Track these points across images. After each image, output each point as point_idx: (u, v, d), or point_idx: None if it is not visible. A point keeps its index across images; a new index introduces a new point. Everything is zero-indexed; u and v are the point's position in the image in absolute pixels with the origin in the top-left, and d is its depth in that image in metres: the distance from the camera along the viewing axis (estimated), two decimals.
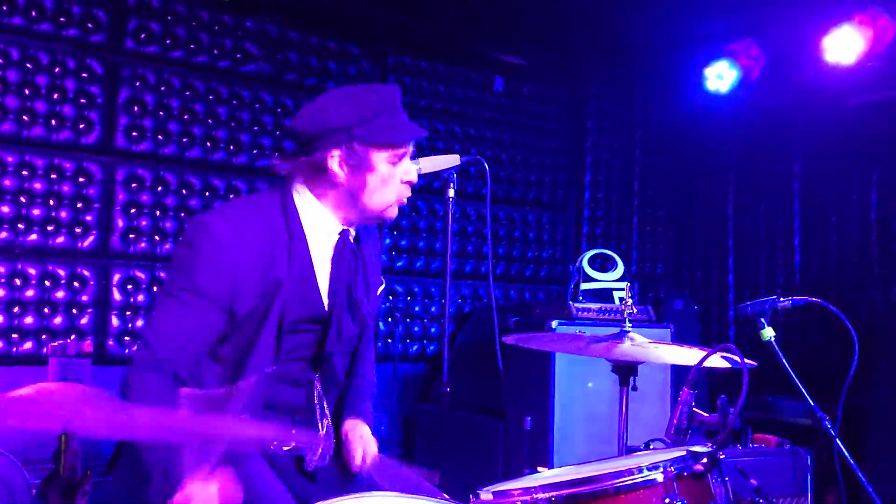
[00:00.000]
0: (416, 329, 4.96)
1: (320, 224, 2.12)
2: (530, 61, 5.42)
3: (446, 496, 2.16)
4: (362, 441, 2.25)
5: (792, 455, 3.96)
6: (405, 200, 2.16)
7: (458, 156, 2.64)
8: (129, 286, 4.04)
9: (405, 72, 5.00)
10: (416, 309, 4.94)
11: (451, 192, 2.62)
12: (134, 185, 4.09)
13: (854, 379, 2.96)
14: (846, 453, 2.09)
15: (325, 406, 2.21)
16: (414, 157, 2.21)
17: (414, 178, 2.14)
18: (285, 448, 2.14)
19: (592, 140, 5.79)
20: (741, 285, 5.70)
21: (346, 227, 2.16)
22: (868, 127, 4.86)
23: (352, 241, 2.20)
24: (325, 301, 2.12)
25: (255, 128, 4.47)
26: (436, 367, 4.92)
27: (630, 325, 2.31)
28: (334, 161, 2.06)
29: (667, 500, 1.58)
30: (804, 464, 3.94)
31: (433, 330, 5.01)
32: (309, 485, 2.18)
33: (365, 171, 2.07)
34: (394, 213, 2.16)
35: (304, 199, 2.11)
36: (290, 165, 2.14)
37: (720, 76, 5.42)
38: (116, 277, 4.01)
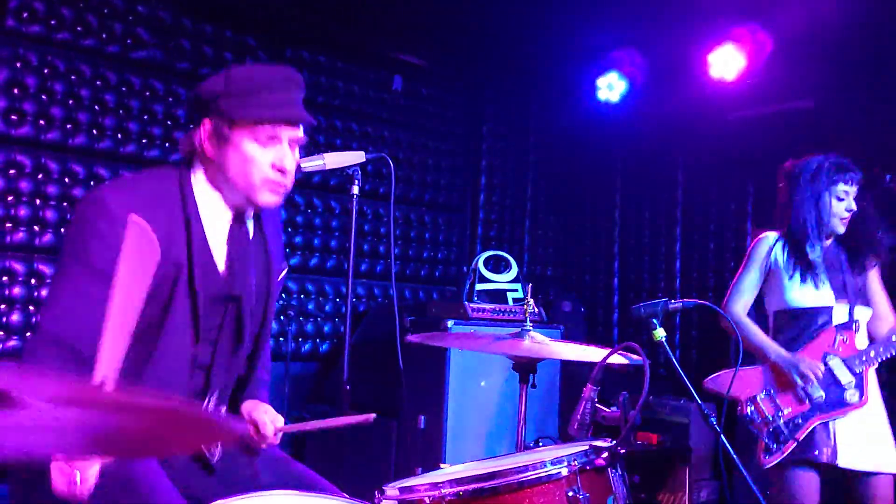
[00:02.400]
0: (308, 327, 4.90)
1: (215, 205, 2.04)
2: (429, 63, 5.45)
3: (346, 494, 2.14)
4: (268, 415, 2.17)
5: (671, 452, 4.15)
6: (281, 191, 2.02)
7: (363, 152, 2.62)
8: (5, 278, 3.81)
9: (303, 66, 4.94)
10: (310, 307, 4.88)
11: (356, 190, 2.60)
12: (12, 171, 3.86)
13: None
14: (730, 449, 2.20)
15: (219, 392, 2.14)
16: (303, 144, 2.11)
17: (287, 167, 1.98)
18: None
19: (488, 144, 5.88)
20: (625, 289, 5.91)
21: (239, 209, 2.08)
22: (746, 140, 5.15)
23: (249, 222, 2.13)
24: (226, 280, 2.05)
25: (145, 116, 4.30)
26: (328, 367, 4.87)
27: (531, 324, 2.36)
28: (202, 134, 1.98)
29: (570, 494, 1.62)
30: (683, 460, 4.14)
31: (326, 328, 4.96)
32: (205, 478, 2.11)
33: (227, 147, 1.97)
34: (266, 198, 2.01)
35: (199, 179, 2.04)
36: (181, 144, 2.07)
37: (611, 86, 5.62)
38: None
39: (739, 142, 5.18)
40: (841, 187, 3.14)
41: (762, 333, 3.16)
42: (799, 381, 3.03)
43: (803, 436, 3.01)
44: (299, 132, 2.03)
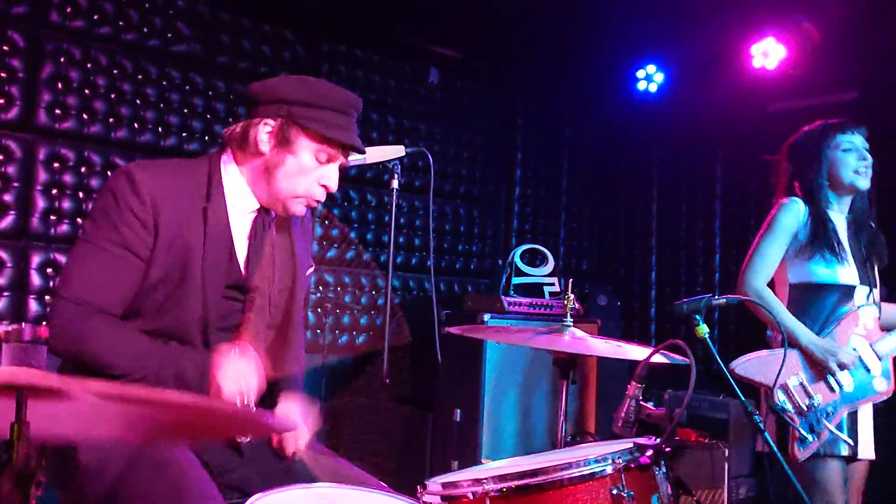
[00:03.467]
0: (345, 319, 4.92)
1: (243, 197, 2.09)
2: (465, 55, 5.44)
3: (386, 486, 2.15)
4: (298, 418, 2.19)
5: (710, 448, 4.10)
6: (315, 203, 2.11)
7: (402, 147, 2.62)
8: (49, 270, 3.87)
9: (340, 60, 4.95)
10: (347, 299, 4.91)
11: (396, 184, 2.60)
12: (56, 164, 3.92)
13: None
14: (774, 447, 2.18)
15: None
16: (346, 164, 2.17)
17: (333, 186, 2.09)
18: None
19: (523, 137, 5.85)
20: (663, 283, 5.86)
21: (266, 206, 2.13)
22: (787, 133, 5.05)
23: (273, 217, 2.18)
24: (244, 270, 2.10)
25: (185, 110, 4.35)
26: (365, 358, 4.89)
27: (571, 320, 2.34)
28: (265, 129, 2.03)
29: (614, 492, 1.61)
30: (722, 456, 4.09)
31: (363, 321, 4.98)
32: (243, 468, 2.14)
33: (287, 150, 2.03)
34: (299, 209, 2.10)
35: (230, 170, 2.09)
36: (226, 131, 2.12)
37: (649, 77, 5.56)
38: (35, 260, 3.84)
39: (780, 134, 5.08)
40: (842, 138, 2.99)
41: (790, 314, 2.90)
42: (836, 370, 2.83)
43: (834, 425, 2.82)
44: (347, 159, 2.13)
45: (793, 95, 4.97)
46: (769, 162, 5.19)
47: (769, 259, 2.95)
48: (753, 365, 2.85)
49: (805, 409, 2.82)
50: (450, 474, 1.83)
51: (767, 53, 4.85)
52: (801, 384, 2.86)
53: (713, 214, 5.57)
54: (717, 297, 2.34)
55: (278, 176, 2.04)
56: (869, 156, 3.00)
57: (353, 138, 2.08)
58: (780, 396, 2.83)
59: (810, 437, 2.78)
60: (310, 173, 2.05)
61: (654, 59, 5.59)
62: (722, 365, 2.25)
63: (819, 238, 2.90)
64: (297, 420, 2.23)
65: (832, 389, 2.85)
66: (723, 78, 5.20)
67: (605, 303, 5.63)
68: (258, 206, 2.12)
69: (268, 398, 2.23)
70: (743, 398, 2.30)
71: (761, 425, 2.20)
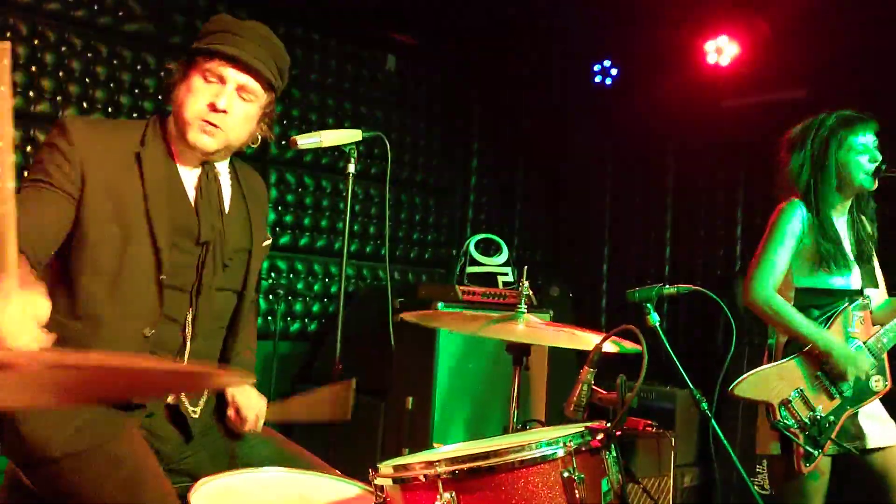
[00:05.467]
0: (297, 307, 4.88)
1: (188, 151, 2.08)
2: (421, 43, 5.41)
3: (338, 472, 2.15)
4: (251, 399, 2.20)
5: (658, 437, 4.17)
6: (212, 131, 2.02)
7: (359, 131, 2.60)
8: None
9: (296, 43, 4.89)
10: (299, 286, 4.86)
11: (352, 168, 2.59)
12: None
13: (716, 365, 3.08)
14: (722, 436, 2.22)
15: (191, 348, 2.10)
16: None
17: (218, 104, 2.00)
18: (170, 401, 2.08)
19: (480, 126, 5.85)
20: (615, 275, 5.93)
21: (208, 161, 2.11)
22: (738, 129, 5.15)
23: (225, 178, 2.17)
24: (197, 214, 2.07)
25: (136, 90, 4.26)
26: (316, 346, 4.86)
27: (525, 308, 2.36)
28: (172, 73, 2.07)
29: (565, 474, 1.63)
30: (668, 445, 4.16)
31: (315, 308, 4.95)
32: (192, 452, 2.12)
33: (181, 81, 2.04)
34: (195, 136, 2.02)
35: (173, 124, 2.09)
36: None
37: (605, 71, 5.61)
38: None
39: (731, 130, 5.19)
40: (854, 140, 2.84)
41: (805, 318, 2.76)
42: (850, 378, 2.72)
43: (836, 433, 2.71)
44: (248, 81, 2.04)
45: (744, 92, 5.05)
46: (720, 158, 5.30)
47: (777, 266, 2.80)
48: (751, 383, 2.73)
49: (808, 422, 2.71)
50: (402, 457, 1.83)
51: (721, 50, 4.93)
52: (802, 396, 2.74)
53: (664, 208, 5.65)
54: (667, 285, 2.38)
55: (176, 104, 2.04)
56: (879, 154, 2.86)
57: (234, 50, 2.00)
58: (782, 413, 2.71)
59: (815, 452, 2.68)
60: (197, 94, 2.01)
61: (610, 54, 5.64)
62: (671, 353, 2.29)
63: (824, 245, 2.79)
64: (252, 403, 2.21)
65: (832, 397, 2.74)
66: (677, 74, 5.27)
67: (559, 293, 5.68)
68: (203, 158, 2.09)
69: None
70: (692, 386, 2.35)
71: (709, 413, 2.24)
